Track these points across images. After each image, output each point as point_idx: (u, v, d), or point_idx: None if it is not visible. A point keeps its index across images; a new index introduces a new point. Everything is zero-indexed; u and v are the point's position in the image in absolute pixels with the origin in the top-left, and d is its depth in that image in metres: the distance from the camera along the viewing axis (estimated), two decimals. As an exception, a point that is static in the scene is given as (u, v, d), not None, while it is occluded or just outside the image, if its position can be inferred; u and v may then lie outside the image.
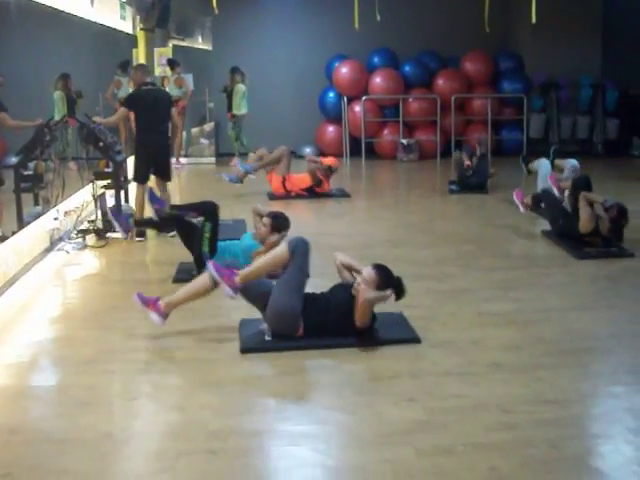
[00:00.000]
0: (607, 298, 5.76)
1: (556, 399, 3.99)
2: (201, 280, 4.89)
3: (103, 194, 7.97)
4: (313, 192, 10.08)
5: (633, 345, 4.79)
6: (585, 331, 5.04)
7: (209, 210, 6.36)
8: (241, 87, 13.26)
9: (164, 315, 4.85)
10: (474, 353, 4.63)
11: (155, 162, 7.93)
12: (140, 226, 7.34)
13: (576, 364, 4.48)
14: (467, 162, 10.31)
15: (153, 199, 6.71)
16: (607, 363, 4.57)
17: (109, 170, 8.01)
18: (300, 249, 4.75)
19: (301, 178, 10.22)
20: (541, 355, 4.60)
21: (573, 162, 8.98)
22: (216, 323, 5.13)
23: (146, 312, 4.87)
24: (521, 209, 8.31)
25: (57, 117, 8.51)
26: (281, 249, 4.78)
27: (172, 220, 6.62)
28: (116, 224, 6.84)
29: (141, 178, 7.89)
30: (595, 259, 6.79)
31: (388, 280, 4.78)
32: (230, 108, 13.44)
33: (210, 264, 4.78)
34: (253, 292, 4.80)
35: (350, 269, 5.04)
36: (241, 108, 13.32)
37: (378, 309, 4.90)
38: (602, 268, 6.56)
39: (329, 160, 10.36)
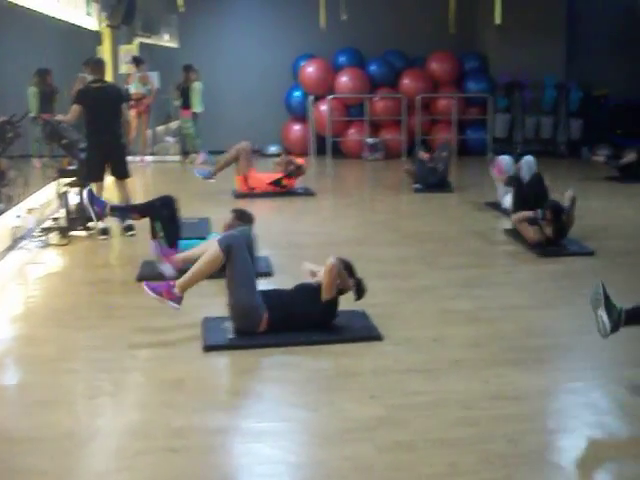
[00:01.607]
0: (567, 296, 5.84)
1: (515, 395, 4.04)
2: (211, 252, 4.77)
3: (67, 192, 7.92)
4: (279, 184, 10.06)
5: (592, 342, 4.83)
6: (545, 328, 5.12)
7: (166, 203, 6.39)
8: (198, 84, 13.25)
9: (179, 299, 4.79)
10: (436, 350, 4.67)
11: (108, 160, 7.89)
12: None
13: (536, 361, 4.54)
14: (425, 155, 10.41)
15: (93, 200, 6.66)
16: (566, 360, 4.64)
17: (73, 168, 7.96)
18: (236, 245, 4.73)
19: (266, 175, 10.23)
20: (501, 352, 4.66)
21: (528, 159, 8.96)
22: (178, 321, 5.11)
23: (161, 302, 4.79)
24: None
25: (33, 114, 8.46)
26: (213, 251, 4.73)
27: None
28: (90, 210, 6.74)
29: (95, 177, 7.84)
30: (556, 257, 6.88)
31: (349, 270, 4.91)
32: (186, 105, 13.39)
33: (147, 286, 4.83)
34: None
35: (315, 274, 5.08)
36: (200, 106, 13.31)
37: (341, 306, 4.94)
38: (563, 266, 6.64)
39: (299, 161, 10.40)
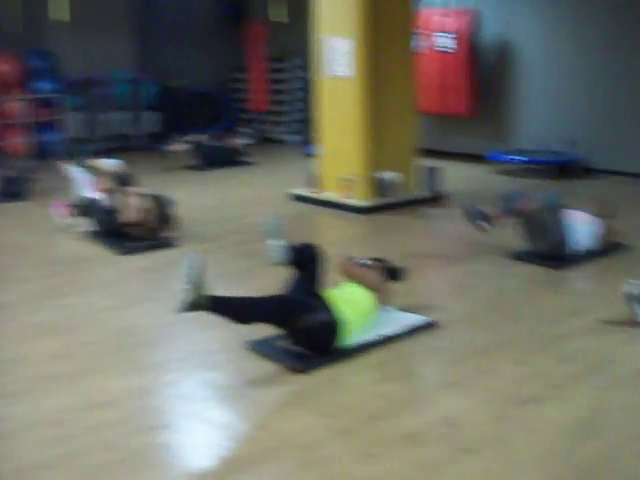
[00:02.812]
0: (151, 291, 5.88)
1: (110, 400, 3.98)
2: None
3: None
4: None
5: (176, 334, 4.94)
6: (133, 327, 5.11)
7: None
8: None
9: None
10: (20, 370, 4.42)
11: None
12: None
13: (125, 360, 4.52)
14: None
15: None
16: (156, 355, 4.66)
17: None
18: None
19: None
20: (91, 359, 4.57)
21: (114, 162, 8.81)
22: None
23: None
24: (65, 220, 8.00)
25: None
26: None
27: None
28: None
29: None
30: (139, 253, 6.91)
31: None
32: None
33: None
34: None
35: None
36: None
37: None
38: (146, 261, 6.69)
39: None
